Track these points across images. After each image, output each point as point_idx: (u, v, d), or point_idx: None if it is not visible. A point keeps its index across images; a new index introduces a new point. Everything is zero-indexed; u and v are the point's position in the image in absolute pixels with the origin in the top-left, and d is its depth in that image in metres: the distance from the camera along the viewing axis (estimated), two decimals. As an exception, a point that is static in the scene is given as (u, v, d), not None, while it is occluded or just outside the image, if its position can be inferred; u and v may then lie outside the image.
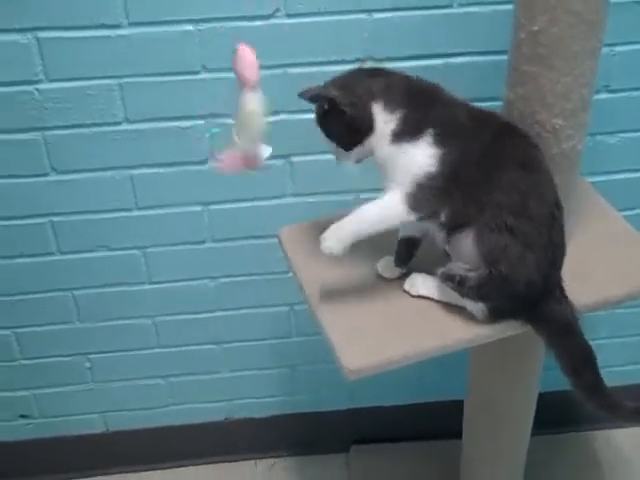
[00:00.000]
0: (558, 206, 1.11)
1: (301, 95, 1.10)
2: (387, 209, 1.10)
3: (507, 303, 1.13)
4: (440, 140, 1.07)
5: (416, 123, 1.08)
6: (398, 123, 1.09)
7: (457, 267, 1.12)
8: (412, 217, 1.10)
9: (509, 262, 1.08)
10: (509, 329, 1.17)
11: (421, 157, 1.08)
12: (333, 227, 1.10)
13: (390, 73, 1.13)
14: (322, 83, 1.11)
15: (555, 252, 1.12)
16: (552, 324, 1.15)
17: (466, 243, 1.10)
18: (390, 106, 1.09)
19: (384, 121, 1.09)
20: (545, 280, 1.11)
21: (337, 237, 1.10)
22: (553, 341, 1.17)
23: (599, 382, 1.20)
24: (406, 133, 1.09)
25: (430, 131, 1.07)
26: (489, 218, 1.08)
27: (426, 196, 1.09)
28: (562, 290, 1.16)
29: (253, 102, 1.04)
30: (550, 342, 1.17)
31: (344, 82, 1.11)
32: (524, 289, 1.10)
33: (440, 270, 1.15)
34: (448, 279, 1.14)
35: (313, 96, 1.10)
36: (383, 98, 1.09)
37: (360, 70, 1.15)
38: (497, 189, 1.08)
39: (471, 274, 1.11)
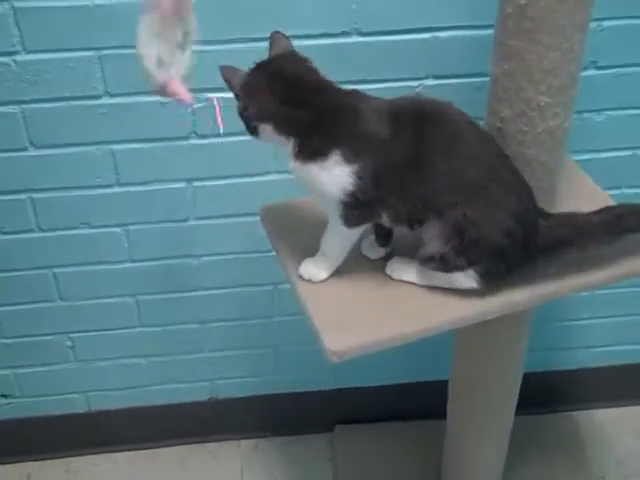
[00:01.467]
0: (499, 156, 1.11)
1: (220, 69, 1.08)
2: (337, 237, 1.15)
3: (498, 260, 1.11)
4: (349, 157, 1.04)
5: (317, 148, 1.05)
6: (294, 147, 1.07)
7: (432, 246, 1.11)
8: (359, 231, 1.14)
9: (476, 227, 1.07)
10: (492, 311, 1.16)
11: (333, 179, 1.05)
12: (308, 261, 1.17)
13: (304, 84, 1.07)
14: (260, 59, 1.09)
15: (519, 193, 1.11)
16: (561, 243, 1.14)
17: (428, 229, 1.10)
18: (282, 130, 1.06)
19: (278, 141, 1.08)
20: (522, 221, 1.10)
21: (312, 272, 1.17)
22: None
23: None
24: (307, 156, 1.06)
25: (336, 151, 1.04)
26: (437, 203, 1.07)
27: (359, 211, 1.09)
28: (544, 214, 1.15)
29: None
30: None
31: (252, 81, 1.07)
32: (506, 240, 1.09)
33: (418, 254, 1.14)
34: (428, 261, 1.13)
35: (226, 79, 1.09)
36: (274, 121, 1.06)
37: (277, 72, 1.08)
38: (431, 178, 1.06)
39: (446, 247, 1.10)
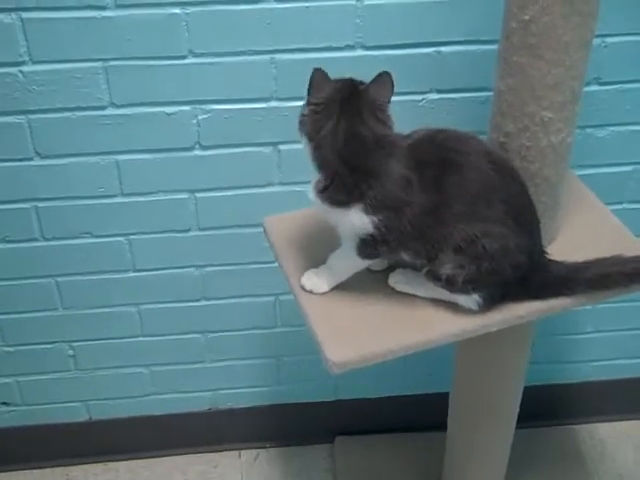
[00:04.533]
0: (519, 192, 1.13)
1: (313, 71, 1.09)
2: (348, 260, 1.15)
3: (500, 287, 1.14)
4: (370, 211, 1.06)
5: (340, 199, 1.07)
6: (319, 183, 1.09)
7: (444, 268, 1.12)
8: (371, 262, 1.16)
9: (492, 258, 1.10)
10: (496, 323, 1.16)
11: (352, 224, 1.08)
12: (311, 272, 1.19)
13: (361, 139, 1.06)
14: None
15: (531, 227, 1.14)
16: (547, 288, 1.17)
17: (445, 258, 1.11)
18: (316, 159, 1.08)
19: (309, 159, 1.09)
20: (530, 256, 1.13)
21: (314, 284, 1.18)
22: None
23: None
24: (330, 201, 1.08)
25: (358, 205, 1.06)
26: (456, 240, 1.09)
27: (375, 248, 1.11)
28: (545, 255, 1.18)
29: None
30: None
31: (329, 104, 1.08)
32: (512, 272, 1.12)
33: (425, 270, 1.15)
34: (435, 279, 1.14)
35: (312, 84, 1.09)
36: (315, 149, 1.08)
37: (352, 112, 1.07)
38: (449, 220, 1.08)
39: (458, 271, 1.11)
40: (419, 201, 1.07)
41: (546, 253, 1.19)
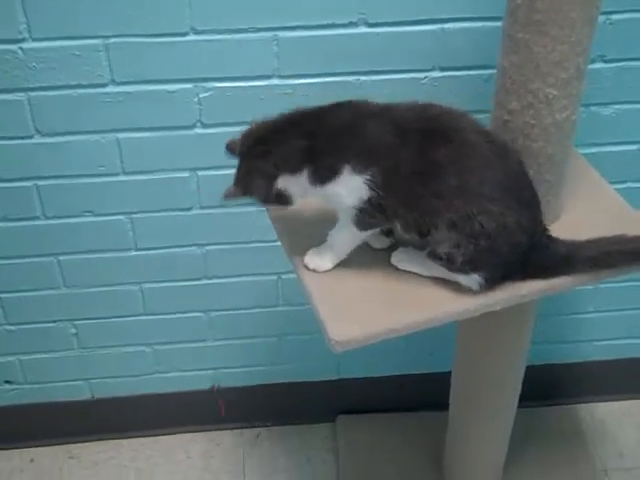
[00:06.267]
0: (515, 169, 1.12)
1: (226, 146, 1.16)
2: (347, 235, 1.16)
3: (501, 267, 1.13)
4: (359, 169, 1.07)
5: (328, 167, 1.08)
6: (309, 175, 1.10)
7: (441, 246, 1.12)
8: (369, 233, 1.15)
9: (489, 237, 1.09)
10: (498, 303, 1.16)
11: (347, 189, 1.08)
12: (313, 251, 1.18)
13: (293, 121, 1.10)
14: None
15: (530, 205, 1.13)
16: (548, 267, 1.16)
17: (439, 236, 1.11)
18: (292, 169, 1.10)
19: (294, 184, 1.11)
20: (530, 235, 1.13)
21: (317, 262, 1.18)
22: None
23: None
24: (323, 179, 1.09)
25: (346, 166, 1.07)
26: (450, 216, 1.08)
27: (371, 217, 1.11)
28: (547, 233, 1.17)
29: None
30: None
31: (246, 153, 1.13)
32: (511, 251, 1.11)
33: (428, 250, 1.14)
34: (436, 257, 1.13)
35: (230, 152, 1.16)
36: (284, 172, 1.10)
37: (262, 134, 1.11)
38: (444, 193, 1.08)
39: (455, 250, 1.11)
40: (404, 161, 1.07)
41: (547, 231, 1.18)
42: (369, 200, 1.08)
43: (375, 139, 1.08)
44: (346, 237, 1.16)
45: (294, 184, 1.11)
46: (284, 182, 1.10)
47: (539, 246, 1.15)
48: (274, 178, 1.10)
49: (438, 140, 1.08)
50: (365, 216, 1.11)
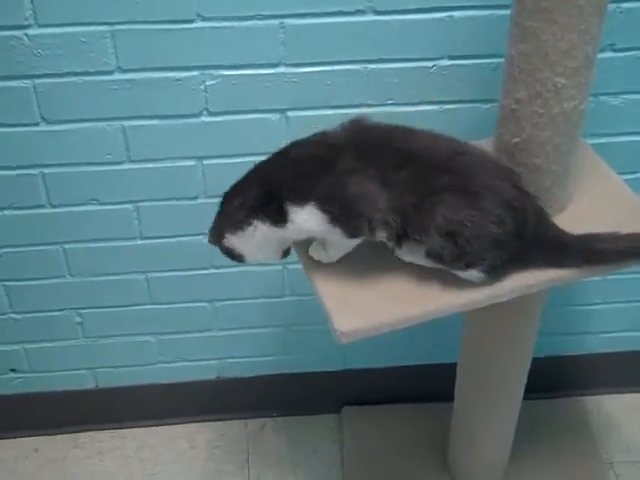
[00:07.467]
0: (459, 148, 1.12)
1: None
2: (341, 242, 1.14)
3: (496, 255, 1.11)
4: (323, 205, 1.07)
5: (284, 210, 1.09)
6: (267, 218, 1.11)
7: (434, 244, 1.10)
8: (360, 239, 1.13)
9: (467, 226, 1.07)
10: (505, 294, 1.15)
11: (306, 224, 1.09)
12: (318, 243, 1.18)
13: (259, 177, 1.15)
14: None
15: (494, 177, 1.10)
16: (547, 250, 1.15)
17: (415, 248, 1.11)
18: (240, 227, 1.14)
19: (272, 234, 1.13)
20: (512, 208, 1.09)
21: (321, 254, 1.18)
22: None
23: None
24: (280, 219, 1.10)
25: (312, 203, 1.07)
26: (417, 218, 1.08)
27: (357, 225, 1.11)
28: (546, 218, 1.16)
29: None
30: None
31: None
32: (499, 229, 1.08)
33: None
34: (430, 256, 1.12)
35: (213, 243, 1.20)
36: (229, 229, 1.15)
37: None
38: (398, 192, 1.07)
39: (444, 250, 1.09)
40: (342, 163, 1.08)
41: (549, 222, 1.16)
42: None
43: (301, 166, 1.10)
44: (342, 245, 1.16)
45: (249, 239, 1.14)
46: (231, 240, 1.15)
47: (541, 237, 1.14)
48: (221, 237, 1.16)
49: (369, 145, 1.10)
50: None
